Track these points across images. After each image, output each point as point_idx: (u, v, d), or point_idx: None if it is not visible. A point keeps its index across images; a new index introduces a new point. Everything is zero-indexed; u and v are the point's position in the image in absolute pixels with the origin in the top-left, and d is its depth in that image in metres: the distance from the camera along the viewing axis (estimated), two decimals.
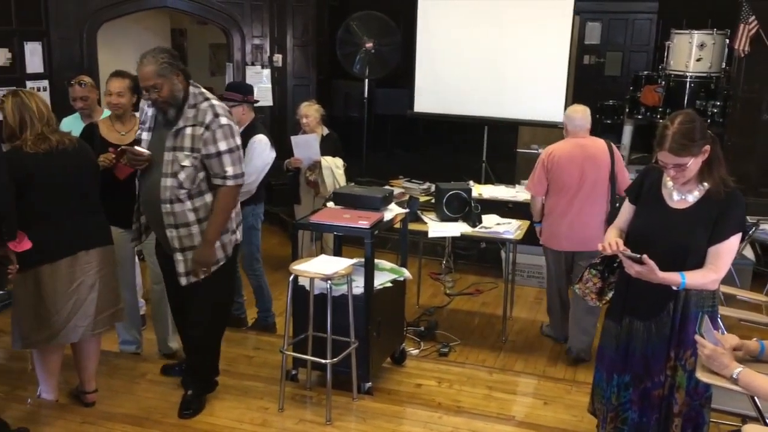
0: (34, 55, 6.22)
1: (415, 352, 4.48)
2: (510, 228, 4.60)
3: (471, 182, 5.43)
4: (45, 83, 6.32)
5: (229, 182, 3.29)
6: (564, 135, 4.54)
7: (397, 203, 4.28)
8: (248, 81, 7.52)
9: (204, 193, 3.29)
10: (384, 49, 7.13)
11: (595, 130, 7.60)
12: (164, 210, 3.23)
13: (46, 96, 6.18)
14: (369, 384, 3.75)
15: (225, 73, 7.99)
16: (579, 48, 7.71)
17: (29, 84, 6.15)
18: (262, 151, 4.33)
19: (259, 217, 4.69)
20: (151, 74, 3.16)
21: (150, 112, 3.38)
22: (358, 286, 3.67)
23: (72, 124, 4.27)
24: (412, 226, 4.53)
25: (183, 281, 3.32)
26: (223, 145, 3.24)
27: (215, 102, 3.29)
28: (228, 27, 7.38)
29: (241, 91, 4.56)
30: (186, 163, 3.21)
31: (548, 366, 4.43)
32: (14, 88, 5.78)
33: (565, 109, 4.93)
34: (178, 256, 3.29)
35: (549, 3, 6.58)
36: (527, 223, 4.83)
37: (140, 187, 3.41)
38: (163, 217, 3.25)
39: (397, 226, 4.25)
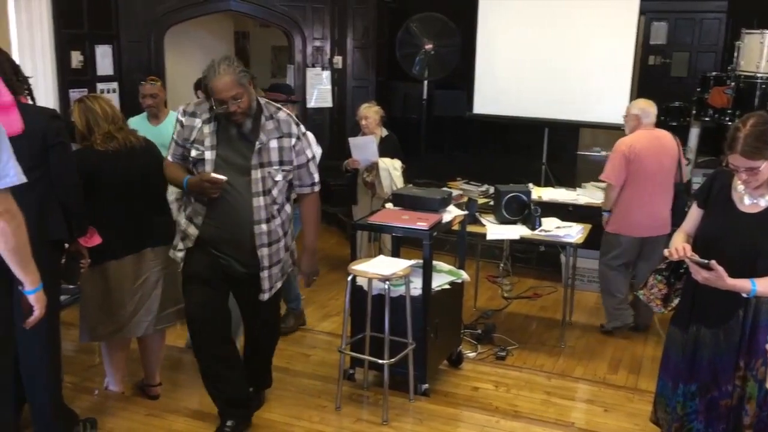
0: (104, 58, 6.44)
1: (472, 354, 4.45)
2: (571, 231, 4.53)
3: (530, 185, 5.36)
4: (114, 85, 6.53)
5: (316, 188, 3.25)
6: (628, 129, 4.73)
7: (455, 205, 4.26)
8: (308, 82, 7.63)
9: (286, 204, 3.19)
10: (443, 51, 7.11)
11: None
12: (258, 231, 3.04)
13: (115, 97, 6.40)
14: (426, 386, 3.75)
15: (285, 74, 8.11)
16: (644, 48, 7.52)
17: (99, 86, 6.37)
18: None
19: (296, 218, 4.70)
20: (232, 84, 2.91)
21: (208, 128, 3.03)
22: (416, 288, 3.67)
23: (138, 124, 4.41)
24: (471, 228, 4.50)
25: (265, 296, 3.17)
26: (310, 153, 3.19)
27: (284, 110, 3.19)
28: (290, 29, 7.48)
29: (284, 91, 4.70)
30: (279, 177, 3.07)
31: (609, 373, 4.34)
32: (85, 90, 6.06)
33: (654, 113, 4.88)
34: (265, 273, 3.12)
35: (614, 3, 6.45)
36: (589, 226, 4.75)
37: (211, 210, 3.06)
38: (255, 237, 3.04)
39: (456, 227, 4.24)
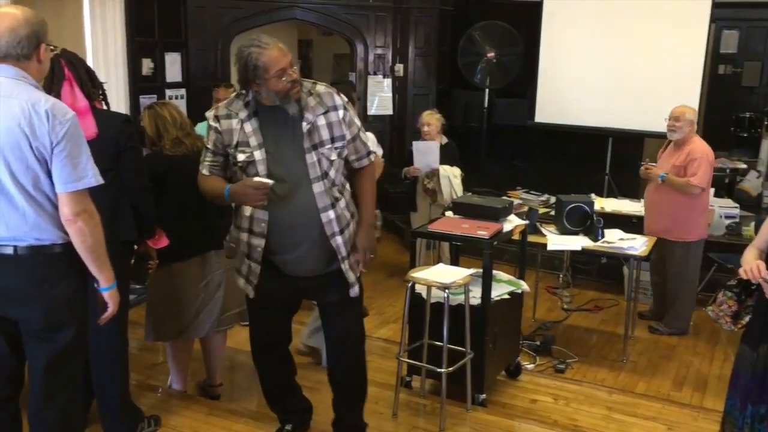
0: (173, 65, 6.64)
1: (530, 366, 4.39)
2: (635, 244, 4.43)
3: (593, 195, 5.27)
4: (182, 91, 6.72)
5: (372, 157, 2.95)
6: (680, 134, 4.80)
7: (515, 214, 4.23)
8: (370, 90, 7.68)
9: (346, 183, 2.89)
10: (505, 59, 7.07)
11: (730, 144, 7.21)
12: (326, 219, 2.75)
13: (182, 103, 6.59)
14: (483, 396, 3.72)
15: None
16: (713, 57, 7.32)
17: (168, 92, 6.57)
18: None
19: None
20: (285, 50, 2.68)
21: (249, 126, 2.73)
22: (475, 297, 3.65)
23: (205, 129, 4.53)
24: (531, 238, 4.45)
25: (356, 290, 2.91)
26: (358, 121, 2.89)
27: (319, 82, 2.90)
28: (352, 37, 7.56)
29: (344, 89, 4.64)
30: (333, 156, 2.76)
31: (673, 390, 4.22)
32: (155, 96, 6.25)
33: (697, 120, 5.07)
34: (346, 264, 2.84)
35: (683, 11, 6.30)
36: (653, 239, 4.64)
37: (272, 212, 2.75)
38: (324, 228, 2.76)
39: (516, 237, 4.20)
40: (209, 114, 2.80)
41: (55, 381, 2.42)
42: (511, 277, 4.09)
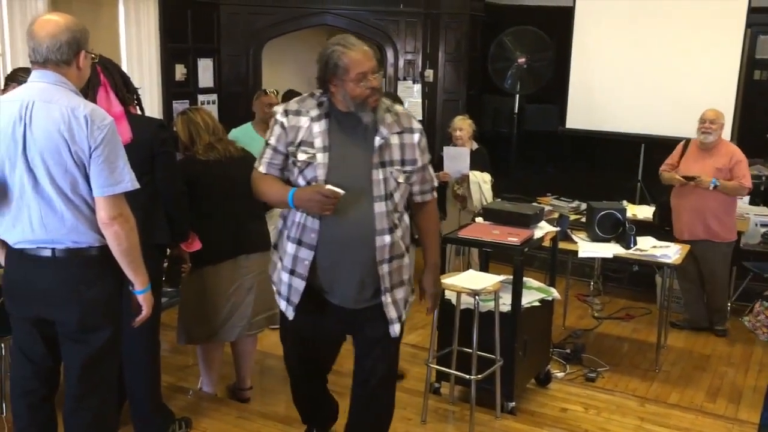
0: (205, 71, 6.71)
1: (560, 374, 4.35)
2: (668, 252, 4.37)
3: (624, 202, 5.22)
4: (214, 97, 6.79)
5: (435, 193, 2.84)
6: (714, 137, 4.83)
7: (546, 221, 4.20)
8: (399, 95, 7.68)
9: (404, 214, 2.71)
10: (536, 65, 7.03)
11: (765, 150, 7.07)
12: (380, 243, 2.56)
13: (214, 109, 6.65)
14: (513, 404, 3.69)
15: None
16: (749, 62, 7.19)
17: (200, 97, 6.64)
18: None
19: None
20: (371, 53, 2.53)
21: (318, 126, 2.55)
22: (505, 304, 3.62)
23: (245, 134, 4.63)
24: (562, 245, 4.42)
25: (396, 329, 2.69)
26: (428, 153, 2.76)
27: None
28: (382, 43, 7.57)
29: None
30: (401, 179, 2.60)
31: (706, 401, 4.14)
32: (187, 101, 6.33)
33: (731, 127, 5.26)
34: (388, 298, 2.64)
35: (718, 16, 6.21)
36: (687, 247, 4.58)
37: (325, 224, 2.55)
38: (376, 252, 2.57)
39: (546, 244, 4.17)
40: (278, 108, 2.64)
41: (90, 382, 2.46)
42: (542, 284, 4.06)
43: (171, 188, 3.00)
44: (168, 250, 3.23)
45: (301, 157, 2.56)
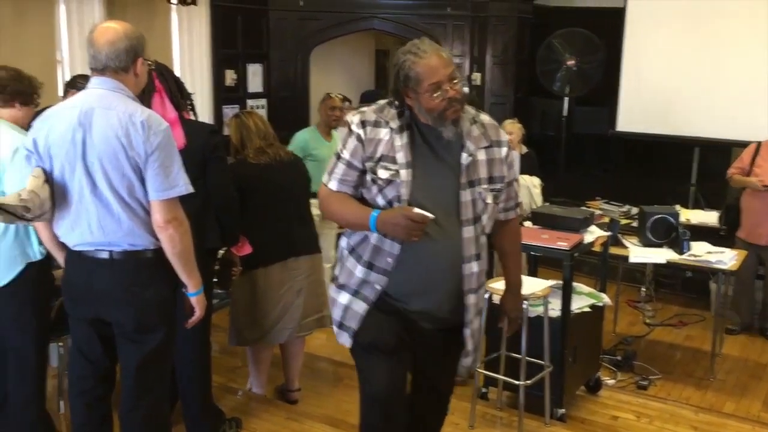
0: (255, 76, 6.81)
1: (611, 382, 4.27)
2: (723, 258, 4.25)
3: (677, 206, 5.10)
4: (263, 101, 6.89)
5: (519, 210, 2.57)
6: None
7: (595, 225, 4.14)
8: None
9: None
10: (586, 66, 6.92)
11: None
12: (468, 271, 2.30)
13: (263, 113, 6.75)
14: (562, 410, 3.64)
15: None
16: None
17: (249, 102, 6.74)
18: None
19: None
20: (449, 60, 2.24)
21: (400, 139, 2.25)
22: (555, 309, 3.58)
23: (311, 138, 4.84)
24: (613, 250, 4.34)
25: (469, 361, 2.46)
26: (515, 167, 2.51)
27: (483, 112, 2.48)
28: None
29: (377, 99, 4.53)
30: (489, 199, 2.33)
31: (763, 411, 4.02)
32: (237, 106, 6.43)
33: None
34: (468, 331, 2.39)
35: None
36: (744, 253, 4.45)
37: (406, 249, 2.25)
38: (463, 282, 2.31)
39: (597, 249, 4.10)
40: (352, 118, 2.32)
41: (145, 381, 2.52)
42: (592, 290, 4.00)
43: (222, 193, 3.05)
44: (219, 253, 3.28)
45: (383, 174, 2.25)
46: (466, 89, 2.30)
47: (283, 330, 3.60)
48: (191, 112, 3.14)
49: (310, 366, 4.15)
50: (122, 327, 2.49)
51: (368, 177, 2.28)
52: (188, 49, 6.19)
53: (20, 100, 2.88)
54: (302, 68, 7.15)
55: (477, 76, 7.65)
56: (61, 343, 3.42)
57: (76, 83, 3.45)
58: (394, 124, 2.27)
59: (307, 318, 3.66)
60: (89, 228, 2.39)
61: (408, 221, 2.13)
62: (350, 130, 2.30)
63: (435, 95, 2.19)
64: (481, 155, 2.31)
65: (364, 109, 2.34)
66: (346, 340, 2.39)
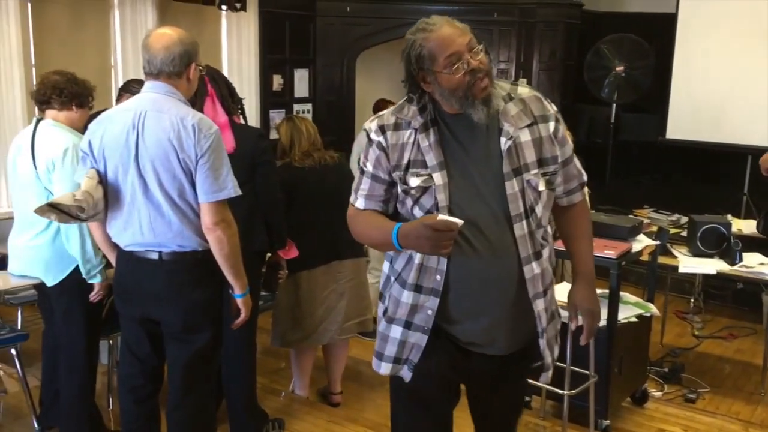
0: (301, 81, 6.88)
1: (657, 394, 4.18)
2: None
3: (729, 216, 4.97)
4: (309, 106, 6.96)
5: (585, 188, 2.21)
6: None
7: (643, 234, 4.06)
8: None
9: (548, 227, 2.07)
10: (635, 73, 6.82)
11: None
12: (529, 274, 1.96)
13: (308, 117, 6.81)
14: (607, 422, 3.58)
15: None
16: None
17: (295, 107, 6.81)
18: None
19: None
20: (462, 30, 1.92)
21: (426, 139, 1.95)
22: (601, 318, 3.52)
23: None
24: (661, 260, 4.25)
25: (548, 376, 2.12)
26: (569, 140, 2.12)
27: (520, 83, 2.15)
28: None
29: None
30: (542, 186, 1.97)
31: None
32: (283, 111, 6.50)
33: None
34: (543, 341, 2.05)
35: None
36: None
37: (452, 261, 1.93)
38: (527, 286, 1.97)
39: (645, 258, 4.03)
40: (370, 125, 2.03)
41: (191, 381, 2.57)
42: (639, 300, 3.93)
43: (270, 196, 3.09)
44: (267, 256, 3.32)
45: (414, 182, 1.95)
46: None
47: (326, 332, 3.63)
48: (241, 117, 3.19)
49: (353, 370, 4.16)
50: (170, 326, 2.54)
51: (399, 188, 1.99)
52: (237, 54, 6.29)
53: (76, 102, 2.97)
54: (348, 73, 7.20)
55: (523, 82, 7.60)
56: (111, 341, 3.51)
57: (130, 87, 3.54)
58: (417, 122, 1.97)
59: (350, 321, 3.68)
60: (140, 229, 2.44)
61: (432, 231, 1.77)
62: (369, 139, 2.01)
63: (455, 68, 1.86)
64: (524, 136, 1.96)
65: (382, 113, 2.05)
66: (406, 373, 2.05)
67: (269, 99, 6.56)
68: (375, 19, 7.17)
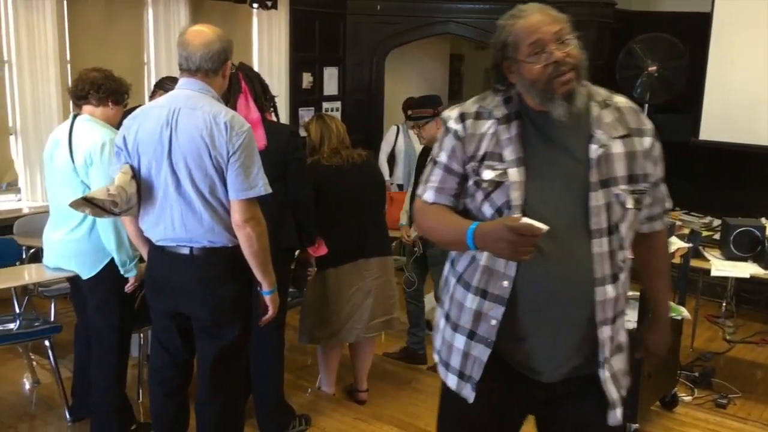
0: (331, 79, 6.92)
1: (687, 398, 4.13)
2: None
3: (763, 219, 4.89)
4: (338, 104, 6.99)
5: (666, 220, 2.04)
6: None
7: (675, 236, 4.01)
8: None
9: (627, 251, 1.85)
10: (668, 73, 6.72)
11: None
12: (602, 296, 1.77)
13: (337, 116, 6.84)
14: (636, 426, 3.54)
15: None
16: None
17: (325, 105, 6.85)
18: None
19: None
20: (554, 17, 1.75)
21: (507, 131, 1.79)
22: (630, 321, 3.48)
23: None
24: (693, 263, 4.20)
25: (618, 415, 1.86)
26: (662, 162, 1.92)
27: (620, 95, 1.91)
28: None
29: (430, 104, 4.24)
30: (630, 203, 1.78)
31: None
32: (312, 108, 6.54)
33: None
34: (606, 372, 1.83)
35: None
36: None
37: (522, 268, 1.76)
38: (595, 310, 1.77)
39: (676, 261, 3.98)
40: (449, 114, 1.87)
41: (221, 375, 2.59)
42: (671, 303, 3.87)
43: (301, 194, 3.10)
44: (295, 253, 3.34)
45: (487, 175, 1.79)
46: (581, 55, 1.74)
47: (352, 330, 3.63)
48: (274, 114, 3.21)
49: (379, 367, 4.17)
50: (200, 321, 2.56)
51: (470, 182, 1.83)
52: (267, 52, 6.34)
53: (113, 99, 3.01)
54: (377, 72, 7.21)
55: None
56: (141, 334, 3.56)
57: (164, 84, 3.59)
58: (500, 112, 1.81)
59: (376, 320, 3.68)
60: (172, 224, 2.47)
61: (513, 234, 1.59)
62: (447, 128, 1.86)
63: (536, 58, 1.71)
64: (617, 147, 1.78)
65: (464, 102, 1.90)
66: (469, 393, 1.87)
67: (299, 97, 6.60)
68: (405, 18, 7.17)
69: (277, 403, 3.26)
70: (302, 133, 3.74)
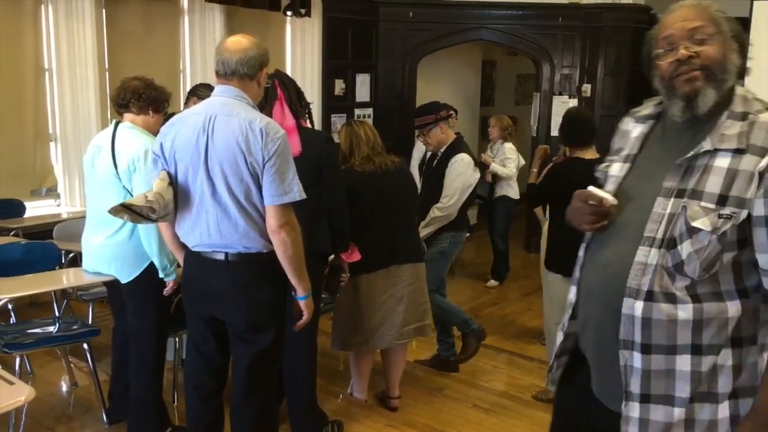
0: (363, 86, 6.95)
1: None
2: None
3: None
4: (370, 111, 7.01)
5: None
6: None
7: None
8: (554, 110, 7.53)
9: (724, 297, 1.57)
10: None
11: None
12: (626, 310, 1.60)
13: (369, 122, 6.87)
14: None
15: (530, 102, 8.11)
16: None
17: (357, 111, 6.88)
18: (464, 170, 4.13)
19: (457, 246, 4.33)
20: (696, 13, 1.63)
21: (637, 129, 1.78)
22: None
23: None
24: None
25: None
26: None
27: None
28: (538, 57, 7.47)
29: (430, 111, 4.24)
30: (702, 224, 1.54)
31: None
32: (344, 115, 6.57)
33: None
34: (631, 411, 1.60)
35: None
36: None
37: (588, 251, 1.77)
38: (621, 320, 1.61)
39: None
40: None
41: (256, 380, 2.61)
42: None
43: (335, 200, 3.11)
44: (329, 259, 3.35)
45: (603, 165, 1.84)
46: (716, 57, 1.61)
47: (384, 336, 3.62)
48: (308, 120, 3.23)
49: (411, 374, 4.16)
50: (235, 326, 2.58)
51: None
52: (300, 59, 6.39)
53: (153, 107, 3.07)
54: (409, 78, 7.23)
55: (587, 88, 7.48)
56: (177, 338, 3.60)
57: (197, 91, 3.64)
58: (645, 112, 1.79)
59: (408, 326, 3.67)
60: (208, 230, 2.49)
61: (578, 201, 1.66)
62: (620, 126, 1.88)
63: (666, 54, 1.63)
64: (721, 161, 1.57)
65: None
66: (550, 385, 1.85)
67: (331, 103, 6.64)
68: (437, 25, 7.18)
69: (310, 408, 3.27)
70: (336, 139, 3.76)
